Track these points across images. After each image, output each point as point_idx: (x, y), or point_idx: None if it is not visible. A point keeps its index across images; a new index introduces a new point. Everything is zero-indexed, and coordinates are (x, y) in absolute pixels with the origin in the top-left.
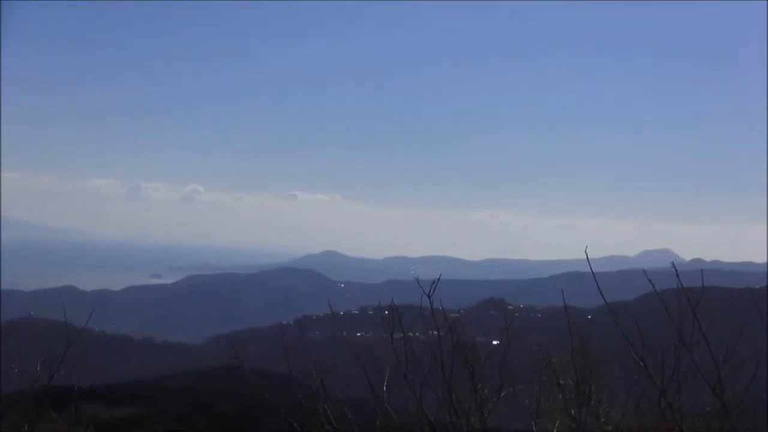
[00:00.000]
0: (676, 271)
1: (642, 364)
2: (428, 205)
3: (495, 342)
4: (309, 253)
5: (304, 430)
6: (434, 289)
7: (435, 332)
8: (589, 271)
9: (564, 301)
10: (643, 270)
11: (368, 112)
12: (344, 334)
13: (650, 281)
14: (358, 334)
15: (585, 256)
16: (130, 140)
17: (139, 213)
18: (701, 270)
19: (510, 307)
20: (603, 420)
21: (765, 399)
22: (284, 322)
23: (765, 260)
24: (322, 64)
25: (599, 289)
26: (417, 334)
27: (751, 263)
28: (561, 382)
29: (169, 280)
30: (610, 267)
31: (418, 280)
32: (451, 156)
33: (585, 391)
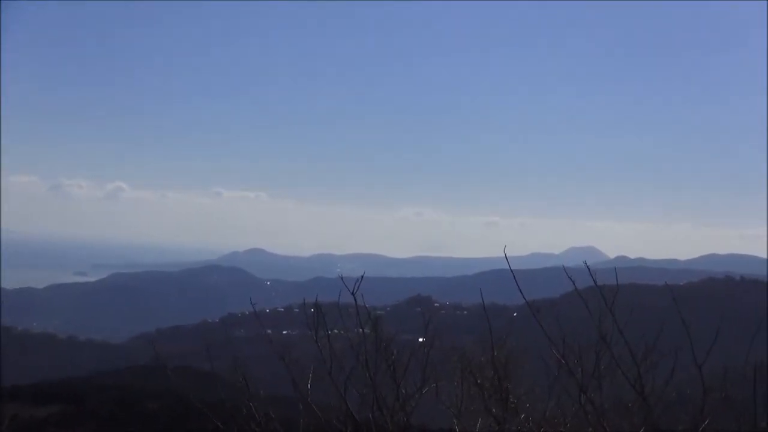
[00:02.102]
0: (589, 269)
1: (563, 362)
2: (355, 203)
3: (420, 339)
4: (235, 251)
5: (228, 428)
6: (358, 287)
7: (358, 330)
8: (517, 268)
9: (482, 299)
10: (563, 267)
11: (294, 109)
12: (269, 332)
13: (570, 278)
14: (285, 332)
15: (511, 254)
16: (52, 137)
17: (62, 210)
18: (623, 267)
19: (437, 304)
20: (523, 416)
21: (682, 393)
22: (210, 321)
23: (688, 257)
24: (247, 61)
25: (519, 289)
26: (343, 331)
27: (674, 260)
28: (478, 381)
29: (94, 278)
30: (536, 264)
31: (342, 278)
32: (377, 154)
33: (504, 389)
